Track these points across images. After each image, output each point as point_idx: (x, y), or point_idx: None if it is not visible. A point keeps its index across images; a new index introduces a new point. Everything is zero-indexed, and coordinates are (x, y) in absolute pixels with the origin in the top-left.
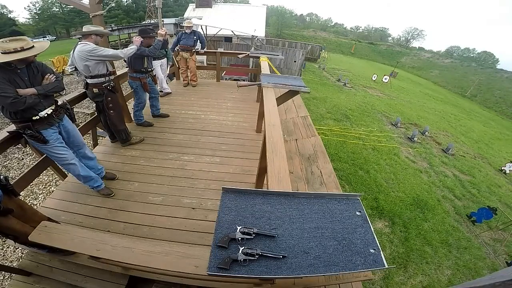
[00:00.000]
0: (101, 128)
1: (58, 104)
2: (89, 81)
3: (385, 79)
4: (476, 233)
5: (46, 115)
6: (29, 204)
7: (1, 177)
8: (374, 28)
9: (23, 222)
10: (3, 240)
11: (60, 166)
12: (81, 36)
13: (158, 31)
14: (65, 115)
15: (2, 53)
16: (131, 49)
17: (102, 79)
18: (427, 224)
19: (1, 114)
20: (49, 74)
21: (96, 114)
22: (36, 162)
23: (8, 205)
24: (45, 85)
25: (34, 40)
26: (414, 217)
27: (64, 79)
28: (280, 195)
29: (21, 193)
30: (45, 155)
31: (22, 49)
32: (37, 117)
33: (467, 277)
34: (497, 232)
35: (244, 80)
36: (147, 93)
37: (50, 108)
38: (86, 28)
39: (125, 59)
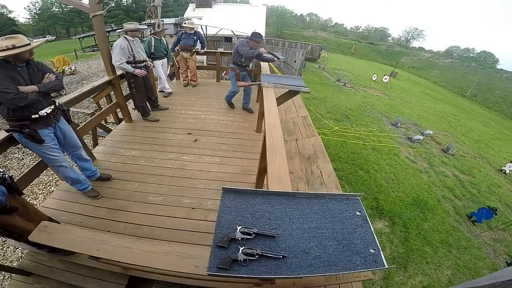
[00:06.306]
0: (102, 129)
1: (56, 104)
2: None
3: (385, 79)
4: (476, 233)
5: (45, 114)
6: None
7: (6, 176)
8: (374, 28)
9: (26, 221)
10: (3, 240)
11: (50, 167)
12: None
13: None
14: (62, 117)
15: None
16: (126, 68)
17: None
18: (427, 224)
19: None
20: (49, 73)
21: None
22: (36, 162)
23: (12, 203)
24: (46, 83)
25: (34, 40)
26: (414, 217)
27: (64, 79)
28: (280, 195)
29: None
30: None
31: (14, 47)
32: (37, 116)
33: (467, 277)
34: (497, 232)
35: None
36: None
37: (49, 107)
38: (124, 26)
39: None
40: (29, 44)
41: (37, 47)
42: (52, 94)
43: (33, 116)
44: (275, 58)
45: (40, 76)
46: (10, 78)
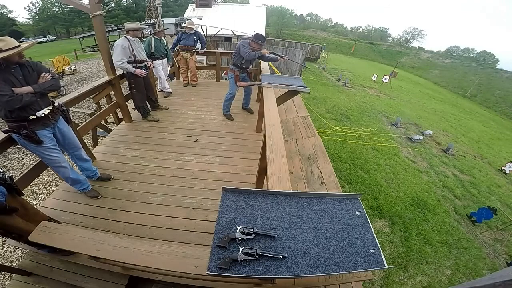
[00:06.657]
0: (102, 129)
1: (55, 105)
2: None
3: (385, 79)
4: (476, 233)
5: (43, 114)
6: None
7: (6, 176)
8: (374, 28)
9: (26, 221)
10: (3, 240)
11: (50, 168)
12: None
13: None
14: (61, 117)
15: None
16: (127, 68)
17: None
18: (427, 224)
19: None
20: (44, 73)
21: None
22: (36, 162)
23: (12, 204)
24: (41, 84)
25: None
26: (414, 217)
27: (64, 79)
28: (280, 195)
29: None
30: None
31: (1, 50)
32: (34, 117)
33: (467, 277)
34: (497, 232)
35: None
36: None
37: (47, 108)
38: (126, 26)
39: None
40: (18, 46)
41: (26, 48)
42: (52, 94)
43: (31, 117)
44: (279, 58)
45: (36, 76)
46: (3, 80)
